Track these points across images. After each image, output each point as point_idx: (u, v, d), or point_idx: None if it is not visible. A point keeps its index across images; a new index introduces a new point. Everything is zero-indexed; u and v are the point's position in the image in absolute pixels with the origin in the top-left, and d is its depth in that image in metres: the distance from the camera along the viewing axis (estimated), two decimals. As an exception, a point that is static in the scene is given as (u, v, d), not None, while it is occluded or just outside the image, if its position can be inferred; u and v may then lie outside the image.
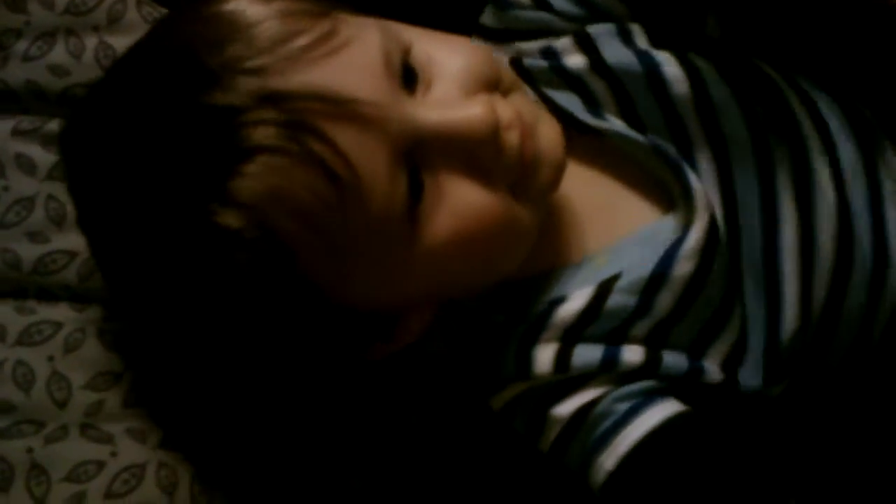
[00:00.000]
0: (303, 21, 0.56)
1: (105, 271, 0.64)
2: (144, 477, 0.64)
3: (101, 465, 0.63)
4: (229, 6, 0.57)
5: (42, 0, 0.72)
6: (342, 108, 0.54)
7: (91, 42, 0.72)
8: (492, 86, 0.61)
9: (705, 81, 0.65)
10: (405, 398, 0.72)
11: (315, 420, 0.70)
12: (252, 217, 0.54)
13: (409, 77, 0.59)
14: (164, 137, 0.55)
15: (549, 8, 0.68)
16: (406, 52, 0.59)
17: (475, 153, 0.58)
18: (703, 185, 0.64)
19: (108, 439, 0.64)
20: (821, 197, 0.64)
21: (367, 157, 0.55)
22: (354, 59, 0.56)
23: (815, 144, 0.65)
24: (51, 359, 0.66)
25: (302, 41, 0.55)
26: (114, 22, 0.72)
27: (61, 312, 0.68)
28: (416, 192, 0.57)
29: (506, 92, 0.62)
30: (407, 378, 0.71)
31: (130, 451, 0.64)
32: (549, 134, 0.61)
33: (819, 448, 0.70)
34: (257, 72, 0.54)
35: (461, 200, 0.58)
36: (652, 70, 0.65)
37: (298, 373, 0.66)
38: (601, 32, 0.66)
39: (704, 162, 0.65)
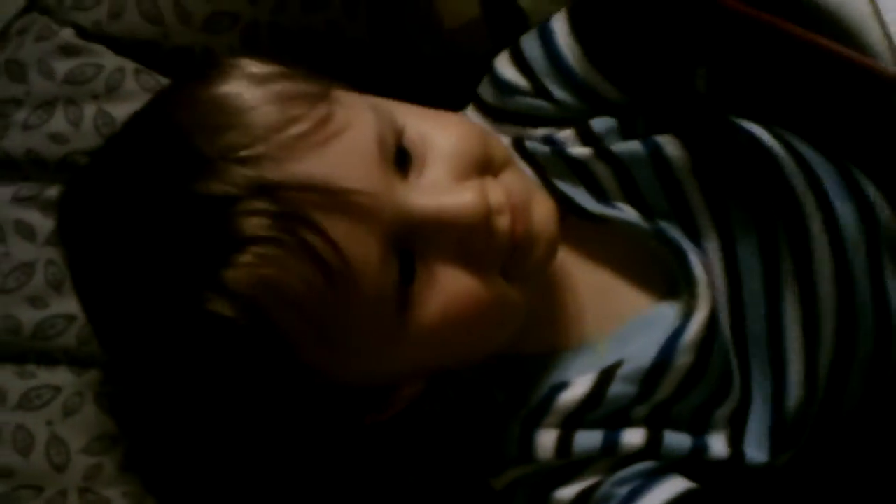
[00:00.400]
0: (299, 106, 0.56)
1: (99, 338, 0.64)
2: (142, 541, 0.65)
3: (99, 530, 0.64)
4: (225, 89, 0.57)
5: (42, 70, 0.74)
6: (336, 198, 0.55)
7: (90, 110, 0.73)
8: (483, 166, 0.61)
9: (708, 160, 0.65)
10: (405, 462, 0.72)
11: (313, 484, 0.71)
12: (244, 306, 0.54)
13: (402, 159, 0.59)
14: (158, 223, 0.55)
15: (549, 97, 0.68)
16: (400, 134, 0.60)
17: (466, 239, 0.58)
18: (710, 259, 0.64)
19: (106, 503, 0.65)
20: (821, 266, 0.64)
21: (360, 246, 0.55)
22: (348, 147, 0.56)
23: (812, 211, 0.65)
24: (49, 423, 0.67)
25: (298, 129, 0.55)
26: (112, 91, 0.74)
27: (60, 377, 0.69)
28: (408, 277, 0.58)
29: (497, 170, 0.62)
30: (408, 443, 0.71)
31: (128, 515, 0.65)
32: (541, 211, 0.61)
33: None
34: (252, 161, 0.54)
35: (452, 286, 0.58)
36: (655, 152, 0.65)
37: (293, 440, 0.67)
38: (604, 127, 0.67)
39: (709, 239, 0.66)
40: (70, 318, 0.70)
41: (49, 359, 0.70)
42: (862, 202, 0.65)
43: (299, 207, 0.54)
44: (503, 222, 0.59)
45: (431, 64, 0.79)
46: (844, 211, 0.65)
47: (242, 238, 0.54)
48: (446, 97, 0.70)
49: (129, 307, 0.58)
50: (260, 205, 0.54)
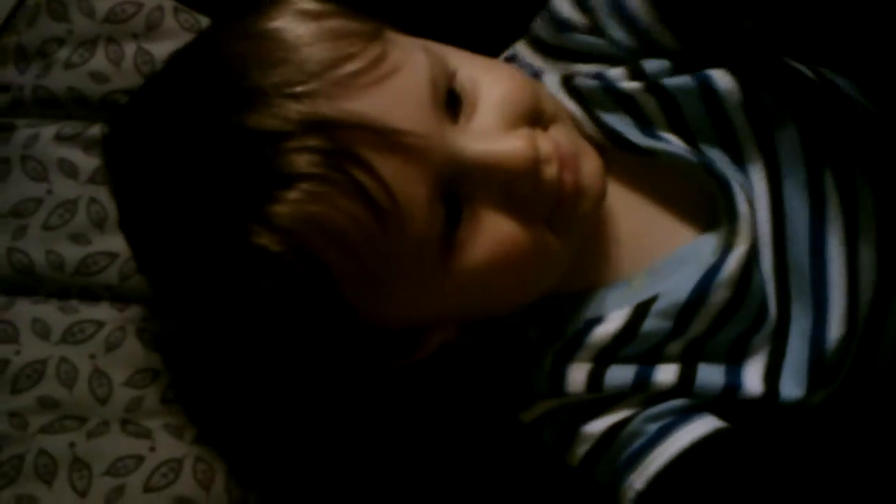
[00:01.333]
0: (354, 44, 0.56)
1: (145, 275, 0.65)
2: (182, 471, 0.66)
3: (140, 459, 0.66)
4: (277, 24, 0.57)
5: (83, 8, 0.74)
6: (388, 138, 0.55)
7: (130, 49, 0.74)
8: (533, 117, 0.61)
9: (758, 90, 0.65)
10: (436, 398, 0.73)
11: (346, 416, 0.72)
12: (290, 241, 0.54)
13: (453, 102, 0.59)
14: (208, 156, 0.55)
15: (605, 35, 0.67)
16: (451, 78, 0.60)
17: (514, 185, 0.58)
18: (755, 190, 0.64)
19: (146, 434, 0.67)
20: (863, 199, 0.64)
21: (409, 186, 0.55)
22: (402, 88, 0.56)
23: (854, 146, 0.64)
24: (93, 357, 0.69)
25: (352, 66, 0.55)
26: (152, 29, 0.74)
27: (103, 312, 0.70)
28: (453, 220, 0.58)
29: (547, 123, 0.62)
30: (438, 379, 0.72)
31: (168, 447, 0.67)
32: (589, 166, 0.61)
33: (860, 463, 0.68)
34: (306, 97, 0.54)
35: (496, 231, 0.59)
36: (705, 83, 0.65)
37: (327, 375, 0.67)
38: (656, 67, 0.66)
39: (755, 171, 0.65)
40: (112, 256, 0.71)
41: (91, 294, 0.71)
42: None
43: (351, 145, 0.54)
44: (550, 171, 0.59)
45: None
46: (885, 150, 0.64)
47: (292, 174, 0.54)
48: (478, 34, 0.70)
49: (176, 241, 0.58)
50: (312, 141, 0.54)
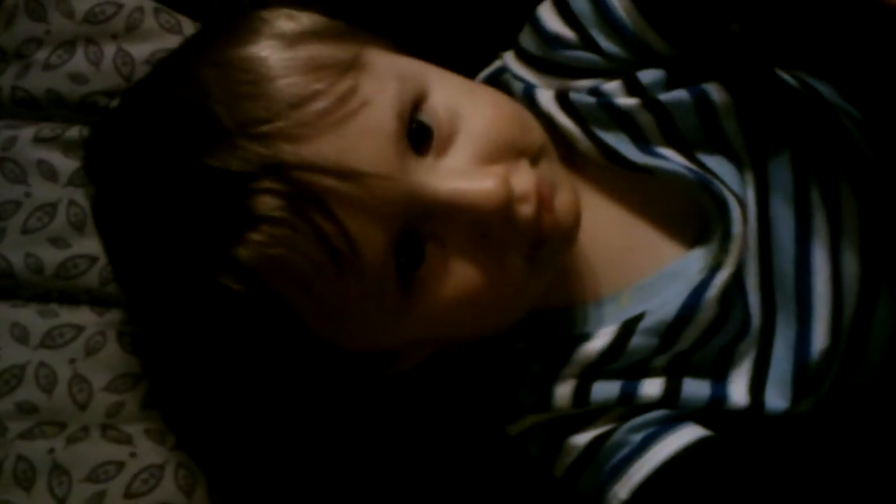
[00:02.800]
0: (324, 78, 0.55)
1: (122, 287, 0.66)
2: (163, 477, 0.66)
3: (120, 465, 0.65)
4: (253, 51, 0.56)
5: (62, 9, 0.74)
6: (348, 181, 0.54)
7: (110, 50, 0.73)
8: (517, 150, 0.59)
9: (750, 102, 0.64)
10: (422, 409, 0.73)
11: (330, 423, 0.71)
12: (252, 282, 0.54)
13: (423, 135, 0.57)
14: (173, 194, 0.55)
15: (597, 48, 0.65)
16: (421, 107, 0.58)
17: (482, 225, 0.57)
18: (746, 202, 0.63)
19: (127, 440, 0.66)
20: (847, 209, 0.63)
21: (368, 230, 0.54)
22: (365, 126, 0.55)
23: (838, 156, 0.64)
24: (72, 361, 0.68)
25: (318, 106, 0.54)
26: (132, 30, 0.73)
27: (83, 316, 0.70)
28: (415, 260, 0.57)
29: (535, 155, 0.60)
30: (425, 390, 0.72)
31: (149, 452, 0.66)
32: (564, 202, 0.59)
33: (846, 471, 0.68)
34: (268, 138, 0.53)
35: (462, 273, 0.57)
36: (701, 98, 0.64)
37: (307, 389, 0.67)
38: (651, 79, 0.65)
39: (746, 182, 0.64)
40: (92, 259, 0.71)
41: (71, 298, 0.70)
42: (886, 147, 0.64)
43: (312, 189, 0.53)
44: (526, 211, 0.57)
45: (449, 10, 0.77)
46: (869, 158, 0.64)
47: (254, 216, 0.53)
48: (464, 45, 0.69)
49: (145, 268, 0.59)
50: (272, 185, 0.53)
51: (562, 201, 0.59)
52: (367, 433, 0.72)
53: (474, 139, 0.58)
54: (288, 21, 0.59)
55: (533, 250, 0.59)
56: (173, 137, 0.56)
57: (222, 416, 0.69)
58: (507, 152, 0.59)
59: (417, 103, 0.58)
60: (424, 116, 0.58)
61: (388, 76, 0.57)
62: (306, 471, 0.70)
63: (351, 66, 0.56)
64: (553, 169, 0.61)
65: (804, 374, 0.63)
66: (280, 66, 0.55)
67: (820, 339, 0.63)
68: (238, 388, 0.67)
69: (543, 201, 0.58)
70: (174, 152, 0.55)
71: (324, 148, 0.54)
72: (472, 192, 0.56)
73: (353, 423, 0.71)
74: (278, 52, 0.56)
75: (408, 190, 0.55)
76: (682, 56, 0.66)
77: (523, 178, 0.58)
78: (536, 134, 0.62)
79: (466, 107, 0.59)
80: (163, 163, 0.56)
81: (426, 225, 0.57)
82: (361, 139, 0.54)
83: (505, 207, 0.56)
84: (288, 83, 0.55)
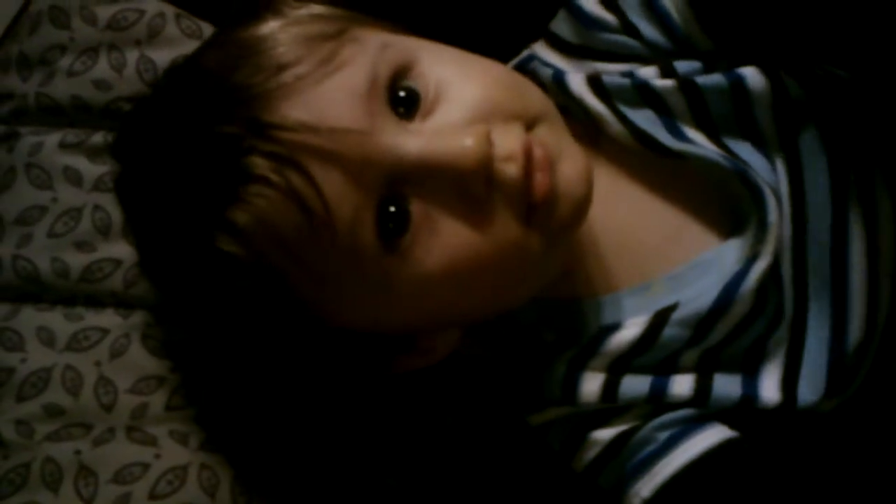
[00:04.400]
0: (310, 46, 0.57)
1: (145, 274, 0.68)
2: (187, 478, 0.66)
3: (146, 466, 0.66)
4: (252, 31, 0.59)
5: (85, 16, 0.75)
6: (320, 138, 0.54)
7: (132, 56, 0.74)
8: (508, 116, 0.58)
9: (786, 89, 0.63)
10: (443, 399, 0.73)
11: (352, 419, 0.72)
12: (246, 243, 0.56)
13: (410, 101, 0.57)
14: (181, 163, 0.57)
15: (637, 35, 0.65)
16: (403, 73, 0.58)
17: (461, 185, 0.56)
18: (779, 190, 0.62)
19: (152, 441, 0.67)
20: (883, 206, 0.63)
21: (341, 190, 0.55)
22: (339, 86, 0.56)
23: (874, 150, 0.64)
24: (98, 364, 0.69)
25: (299, 69, 0.55)
26: (154, 36, 0.74)
27: (108, 319, 0.71)
28: (399, 224, 0.56)
29: (531, 122, 0.59)
30: (448, 380, 0.71)
31: (173, 453, 0.67)
32: (569, 170, 0.58)
33: (872, 474, 0.67)
34: (252, 101, 0.55)
35: (451, 236, 0.56)
36: (737, 83, 0.63)
37: (328, 378, 0.67)
38: (687, 69, 0.65)
39: (777, 170, 0.63)
40: (116, 262, 0.72)
41: (96, 301, 0.71)
42: None
43: (291, 149, 0.55)
44: (509, 170, 0.56)
45: (476, 2, 0.77)
46: None
47: (246, 176, 0.55)
48: (492, 36, 0.69)
49: (162, 242, 0.61)
50: (259, 144, 0.55)
51: (567, 168, 0.58)
52: (389, 427, 0.72)
53: (461, 102, 0.58)
54: (293, 8, 0.61)
55: (530, 214, 0.58)
56: (177, 111, 0.59)
57: (248, 414, 0.69)
58: (495, 115, 0.58)
59: (404, 70, 0.58)
60: (411, 82, 0.58)
61: (372, 44, 0.58)
62: (329, 466, 0.70)
63: (336, 37, 0.57)
64: (557, 136, 0.60)
65: (840, 367, 0.62)
66: (272, 39, 0.58)
67: (856, 332, 0.62)
68: (263, 381, 0.68)
69: (534, 163, 0.57)
70: (178, 124, 0.58)
71: (301, 107, 0.55)
72: (444, 149, 0.56)
73: (376, 416, 0.71)
74: (275, 30, 0.58)
75: (379, 147, 0.55)
76: (720, 50, 0.65)
77: (509, 139, 0.57)
78: (533, 100, 0.61)
79: (456, 73, 0.59)
80: (168, 135, 0.58)
81: (410, 189, 0.56)
82: (334, 98, 0.56)
83: (483, 166, 0.55)
84: (276, 52, 0.57)
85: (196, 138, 0.56)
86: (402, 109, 0.57)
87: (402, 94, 0.58)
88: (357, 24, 0.60)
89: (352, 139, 0.55)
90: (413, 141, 0.56)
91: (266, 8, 0.61)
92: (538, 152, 0.57)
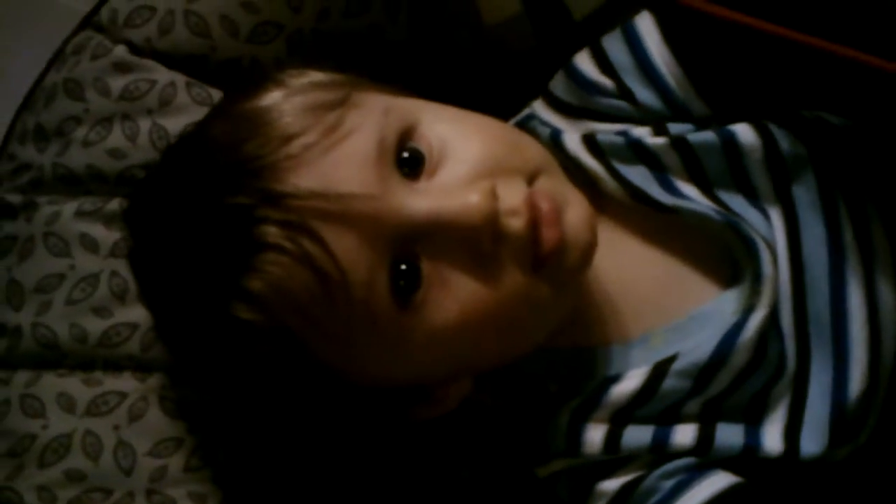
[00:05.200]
0: (316, 115, 0.58)
1: (161, 339, 0.70)
2: (206, 539, 0.68)
3: (165, 529, 0.68)
4: (258, 102, 0.60)
5: (98, 88, 0.77)
6: (333, 204, 0.56)
7: (145, 125, 0.76)
8: (510, 170, 0.60)
9: (777, 142, 0.65)
10: (454, 451, 0.74)
11: (368, 475, 0.73)
12: (261, 310, 0.57)
13: (413, 162, 0.59)
14: (194, 234, 0.59)
15: (632, 99, 0.67)
16: (410, 135, 0.60)
17: (471, 241, 0.57)
18: (775, 242, 0.63)
19: (171, 504, 0.69)
20: (880, 250, 0.64)
21: (354, 252, 0.56)
22: (346, 153, 0.57)
23: (870, 197, 0.64)
24: (116, 428, 0.71)
25: (306, 139, 0.57)
26: (165, 105, 0.76)
27: (125, 383, 0.72)
28: (411, 282, 0.58)
29: (531, 175, 0.61)
30: (457, 432, 0.73)
31: (192, 515, 0.68)
32: (574, 217, 0.60)
33: None
34: (262, 172, 0.57)
35: (462, 292, 0.58)
36: (728, 139, 0.65)
37: (345, 432, 0.69)
38: (680, 130, 0.66)
39: (773, 223, 0.65)
40: (133, 326, 0.73)
41: (114, 366, 0.73)
42: None
43: (302, 216, 0.56)
44: (516, 224, 0.58)
45: (475, 63, 0.79)
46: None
47: (259, 245, 0.56)
48: (491, 96, 0.71)
49: (176, 309, 0.62)
50: (269, 214, 0.56)
51: (572, 216, 0.60)
52: (403, 478, 0.73)
53: (463, 160, 0.59)
54: (295, 77, 0.63)
55: (538, 265, 0.59)
56: (188, 184, 0.60)
57: (266, 472, 0.70)
58: (497, 171, 0.59)
59: (408, 132, 0.60)
60: (415, 143, 0.60)
61: (375, 110, 0.60)
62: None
63: (340, 104, 0.59)
64: (558, 186, 0.62)
65: (842, 419, 0.63)
66: (278, 110, 0.59)
67: (857, 382, 0.63)
68: (273, 439, 0.69)
69: (539, 215, 0.58)
70: (189, 196, 0.59)
71: (311, 175, 0.57)
72: (452, 207, 0.57)
73: (391, 466, 0.72)
74: (280, 101, 0.60)
75: (389, 209, 0.57)
76: (714, 115, 0.67)
77: (513, 193, 0.58)
78: (533, 153, 0.63)
79: (457, 131, 0.61)
80: (181, 208, 0.60)
81: (421, 247, 0.58)
82: (343, 164, 0.57)
83: (490, 222, 0.57)
84: (282, 123, 0.58)
85: (208, 210, 0.58)
86: (406, 170, 0.59)
87: (405, 154, 0.59)
88: (357, 89, 0.62)
89: (363, 203, 0.56)
90: (421, 201, 0.58)
91: (267, 78, 0.63)
92: (545, 206, 0.58)
